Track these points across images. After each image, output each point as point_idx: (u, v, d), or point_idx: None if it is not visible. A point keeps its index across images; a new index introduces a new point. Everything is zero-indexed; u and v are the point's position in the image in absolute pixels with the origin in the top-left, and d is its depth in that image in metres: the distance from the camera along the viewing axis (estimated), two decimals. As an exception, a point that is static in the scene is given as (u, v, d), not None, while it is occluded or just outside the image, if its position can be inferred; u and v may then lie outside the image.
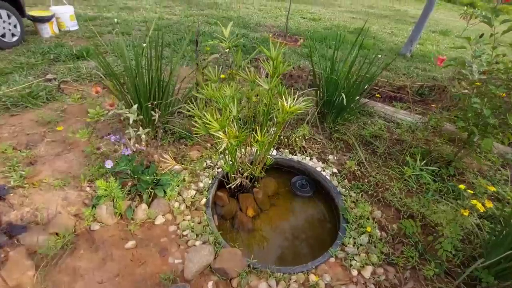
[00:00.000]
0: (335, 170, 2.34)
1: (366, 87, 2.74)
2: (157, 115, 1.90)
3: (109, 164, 1.75)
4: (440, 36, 8.07)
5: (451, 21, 11.05)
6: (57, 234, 1.62)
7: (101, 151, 2.16)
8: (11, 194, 1.80)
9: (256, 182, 2.16)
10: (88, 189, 1.89)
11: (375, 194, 2.12)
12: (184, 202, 1.88)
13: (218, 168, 2.20)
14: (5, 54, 3.83)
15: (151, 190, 1.84)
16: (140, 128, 1.91)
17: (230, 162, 1.88)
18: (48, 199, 1.82)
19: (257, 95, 1.97)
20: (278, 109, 1.70)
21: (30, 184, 1.89)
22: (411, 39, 5.68)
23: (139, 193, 1.86)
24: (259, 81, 1.77)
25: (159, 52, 2.21)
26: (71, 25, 4.93)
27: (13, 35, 4.06)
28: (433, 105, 3.44)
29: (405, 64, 5.03)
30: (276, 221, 2.03)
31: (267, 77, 1.82)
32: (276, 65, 1.67)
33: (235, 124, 1.67)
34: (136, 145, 1.89)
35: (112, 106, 1.71)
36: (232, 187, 2.10)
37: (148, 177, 1.79)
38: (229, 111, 1.66)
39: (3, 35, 3.91)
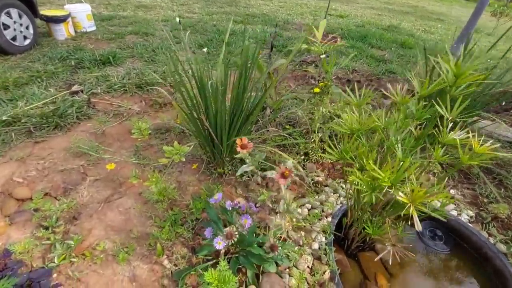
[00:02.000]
0: (471, 213, 1.77)
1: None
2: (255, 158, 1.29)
3: (209, 232, 1.16)
4: (475, 34, 7.51)
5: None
6: None
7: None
8: (55, 275, 1.22)
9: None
10: (166, 262, 1.31)
11: (547, 251, 1.54)
12: (304, 278, 1.30)
13: (326, 217, 1.62)
14: (17, 60, 3.24)
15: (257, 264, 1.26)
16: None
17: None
18: (110, 281, 1.24)
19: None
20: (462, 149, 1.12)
21: (79, 257, 1.31)
22: (461, 38, 5.13)
23: (239, 267, 1.28)
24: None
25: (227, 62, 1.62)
26: (88, 25, 4.33)
27: (25, 37, 3.47)
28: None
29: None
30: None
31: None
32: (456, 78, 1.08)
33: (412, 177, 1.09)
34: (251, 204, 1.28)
35: (244, 148, 1.11)
36: (351, 244, 1.54)
37: (261, 249, 1.20)
38: (398, 154, 1.08)
39: (14, 38, 3.32)
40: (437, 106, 1.06)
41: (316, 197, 1.75)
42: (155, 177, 1.31)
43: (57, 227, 1.40)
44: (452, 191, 1.93)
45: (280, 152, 1.42)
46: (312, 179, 1.90)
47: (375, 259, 1.46)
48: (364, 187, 1.02)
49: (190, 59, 1.57)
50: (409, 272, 1.55)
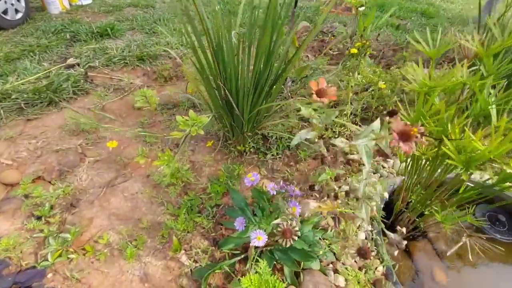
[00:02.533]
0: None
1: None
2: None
3: (240, 224, 0.91)
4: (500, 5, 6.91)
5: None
6: None
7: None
8: (49, 276, 0.99)
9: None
10: (184, 258, 1.07)
11: None
12: (355, 278, 1.06)
13: (369, 199, 1.36)
14: (9, 35, 2.95)
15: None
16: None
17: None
18: (116, 281, 1.02)
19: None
20: None
21: (79, 253, 1.08)
22: (487, 7, 4.64)
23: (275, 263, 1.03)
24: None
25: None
26: (84, -3, 3.97)
27: (16, 11, 3.16)
28: None
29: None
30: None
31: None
32: None
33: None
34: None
35: (322, 95, 0.78)
36: (404, 232, 1.29)
37: (302, 242, 0.95)
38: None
39: (5, 12, 3.01)
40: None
41: (354, 177, 1.48)
42: (167, 155, 1.05)
43: (52, 217, 1.17)
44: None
45: (339, 121, 1.13)
46: (345, 158, 1.63)
47: (448, 253, 1.20)
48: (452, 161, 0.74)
49: (204, 14, 1.27)
50: (468, 263, 1.31)
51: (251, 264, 0.98)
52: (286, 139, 1.62)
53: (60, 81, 2.09)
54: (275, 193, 0.94)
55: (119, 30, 3.13)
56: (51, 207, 1.21)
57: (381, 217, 1.26)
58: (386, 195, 1.33)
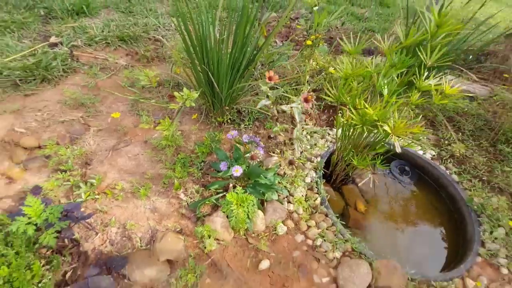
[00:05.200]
0: (433, 153, 2.11)
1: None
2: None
3: (224, 166, 1.33)
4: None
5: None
6: (169, 261, 1.25)
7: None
8: (82, 210, 1.35)
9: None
10: (182, 195, 1.48)
11: (487, 179, 1.94)
12: (300, 204, 1.56)
13: (316, 158, 1.86)
14: (-24, 8, 2.91)
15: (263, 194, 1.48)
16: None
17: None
18: (133, 213, 1.41)
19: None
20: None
21: (101, 194, 1.44)
22: None
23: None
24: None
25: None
26: (50, -31, 3.85)
27: (-21, -19, 3.06)
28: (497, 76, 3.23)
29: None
30: (390, 216, 1.80)
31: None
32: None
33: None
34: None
35: (271, 80, 1.24)
36: (336, 179, 1.82)
37: (266, 179, 1.42)
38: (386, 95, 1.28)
39: (-33, -19, 2.93)
40: (419, 52, 1.26)
41: (306, 141, 1.97)
42: (167, 122, 1.42)
43: (74, 171, 1.50)
44: (421, 136, 2.25)
45: (286, 94, 1.58)
46: (302, 127, 2.10)
47: (359, 184, 1.75)
48: (356, 122, 1.23)
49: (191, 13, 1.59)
50: (381, 199, 1.89)
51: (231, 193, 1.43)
52: (255, 112, 2.05)
53: (49, 59, 2.27)
54: (247, 141, 1.37)
55: (94, 8, 3.22)
56: (72, 164, 1.53)
57: (323, 167, 1.77)
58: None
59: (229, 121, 1.96)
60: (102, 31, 2.82)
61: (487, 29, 2.42)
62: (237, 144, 1.45)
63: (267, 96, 1.27)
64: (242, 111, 2.06)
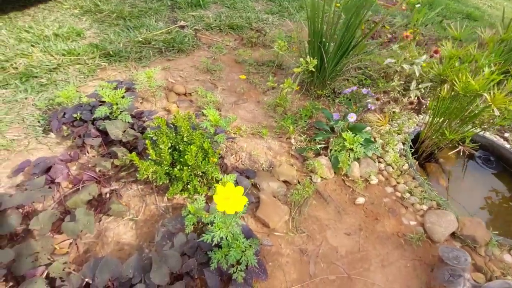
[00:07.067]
0: (521, 149, 2.15)
1: None
2: None
3: (337, 116, 1.68)
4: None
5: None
6: (285, 182, 1.62)
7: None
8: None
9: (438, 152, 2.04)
10: (293, 141, 1.86)
11: None
12: (390, 165, 1.80)
13: (404, 133, 2.08)
14: (123, -2, 3.76)
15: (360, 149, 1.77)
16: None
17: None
18: (254, 147, 1.82)
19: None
20: None
21: (232, 130, 1.88)
22: None
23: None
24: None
25: None
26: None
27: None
28: None
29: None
30: (471, 194, 1.93)
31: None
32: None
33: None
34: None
35: (437, 53, 1.59)
36: (420, 156, 2.01)
37: (367, 133, 1.71)
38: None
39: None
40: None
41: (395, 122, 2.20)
42: (289, 81, 1.81)
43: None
44: (507, 134, 2.30)
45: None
46: (390, 111, 2.33)
47: (449, 153, 1.92)
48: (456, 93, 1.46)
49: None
50: (463, 180, 2.02)
51: (330, 149, 1.76)
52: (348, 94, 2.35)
53: (181, 36, 2.88)
54: (366, 92, 1.67)
55: (207, 2, 3.88)
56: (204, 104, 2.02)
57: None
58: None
59: (325, 95, 2.29)
60: (215, 20, 3.42)
61: None
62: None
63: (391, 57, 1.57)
64: (337, 89, 2.38)
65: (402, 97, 2.04)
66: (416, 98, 1.86)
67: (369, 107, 1.61)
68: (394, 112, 2.24)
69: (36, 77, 2.12)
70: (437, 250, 1.41)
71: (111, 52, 2.45)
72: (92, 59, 2.38)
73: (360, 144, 1.51)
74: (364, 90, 1.62)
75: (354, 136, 1.52)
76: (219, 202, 0.78)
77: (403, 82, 1.93)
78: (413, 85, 1.68)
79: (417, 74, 1.50)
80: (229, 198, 0.79)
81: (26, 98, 1.94)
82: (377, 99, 1.62)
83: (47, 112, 1.86)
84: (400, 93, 2.09)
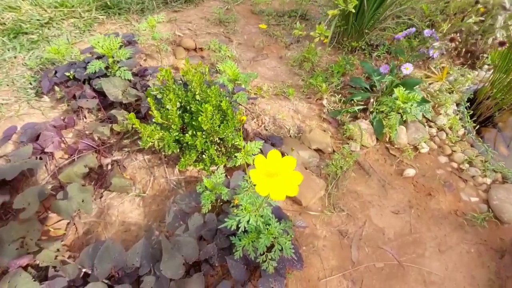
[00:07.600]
0: None
1: None
2: None
3: (385, 69, 1.35)
4: None
5: None
6: (318, 151, 1.35)
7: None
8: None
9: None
10: (325, 101, 1.55)
11: None
12: (443, 130, 1.49)
13: (458, 92, 1.72)
14: None
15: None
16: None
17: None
18: (279, 110, 1.53)
19: None
20: None
21: (253, 91, 1.59)
22: None
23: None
24: None
25: None
26: None
27: None
28: None
29: None
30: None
31: None
32: None
33: None
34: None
35: None
36: (478, 119, 1.67)
37: (419, 90, 1.38)
38: None
39: None
40: None
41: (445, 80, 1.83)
42: (321, 27, 1.46)
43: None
44: None
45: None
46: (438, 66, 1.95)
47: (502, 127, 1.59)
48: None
49: None
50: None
51: (371, 111, 1.45)
52: (387, 45, 1.96)
53: (189, -16, 2.48)
54: (429, 35, 1.30)
55: None
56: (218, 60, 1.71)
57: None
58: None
59: (361, 48, 1.92)
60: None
61: None
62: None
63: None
64: (371, 43, 1.99)
65: (480, 39, 1.62)
66: (505, 38, 1.40)
67: (431, 55, 1.26)
68: (443, 68, 1.86)
69: (26, 33, 1.85)
70: (508, 232, 1.16)
71: (109, 3, 2.12)
72: (88, 12, 2.07)
73: (417, 103, 1.20)
74: (426, 32, 1.26)
75: (409, 93, 1.20)
76: (260, 181, 0.53)
77: (483, 19, 1.49)
78: (499, 21, 1.29)
79: (508, 5, 1.10)
80: (276, 174, 0.54)
81: (15, 57, 1.69)
82: (452, 39, 1.19)
83: (39, 73, 1.61)
84: (477, 33, 1.65)
